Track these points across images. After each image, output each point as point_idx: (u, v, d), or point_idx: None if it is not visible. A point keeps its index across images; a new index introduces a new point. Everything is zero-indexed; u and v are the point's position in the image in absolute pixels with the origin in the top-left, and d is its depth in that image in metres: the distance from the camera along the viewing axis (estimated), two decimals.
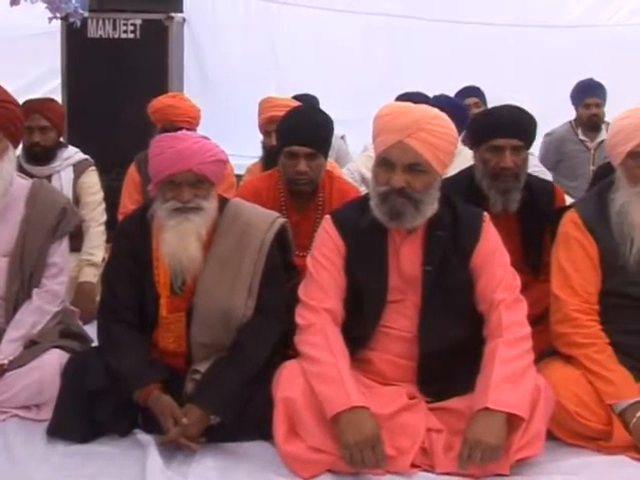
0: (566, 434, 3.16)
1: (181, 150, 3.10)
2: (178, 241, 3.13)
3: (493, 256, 3.11)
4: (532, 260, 3.79)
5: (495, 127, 3.72)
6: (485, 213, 3.19)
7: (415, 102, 4.85)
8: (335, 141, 6.15)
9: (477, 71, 7.46)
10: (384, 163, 3.00)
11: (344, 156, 6.33)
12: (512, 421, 2.83)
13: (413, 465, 2.92)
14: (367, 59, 7.92)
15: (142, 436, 3.11)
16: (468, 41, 7.86)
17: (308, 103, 5.57)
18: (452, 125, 3.05)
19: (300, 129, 3.87)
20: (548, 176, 5.62)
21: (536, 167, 5.79)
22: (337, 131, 6.14)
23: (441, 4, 7.96)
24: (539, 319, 3.45)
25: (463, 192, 3.75)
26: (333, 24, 7.98)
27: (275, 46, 8.08)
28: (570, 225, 3.34)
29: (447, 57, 7.83)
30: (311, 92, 6.47)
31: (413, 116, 2.98)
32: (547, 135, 6.73)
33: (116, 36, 6.56)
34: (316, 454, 2.88)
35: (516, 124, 3.74)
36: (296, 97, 5.71)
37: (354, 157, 6.13)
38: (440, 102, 5.03)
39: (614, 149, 3.32)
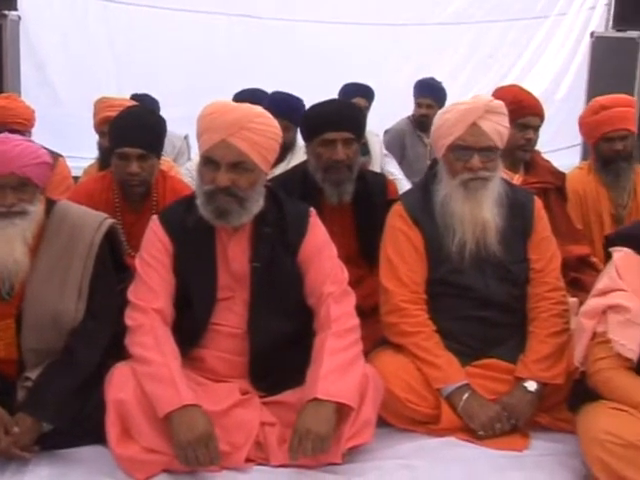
0: (397, 420, 3.26)
1: (2, 153, 3.02)
2: (3, 246, 3.04)
3: (321, 250, 3.16)
4: (367, 252, 3.86)
5: (325, 121, 3.78)
6: (311, 208, 3.23)
7: (254, 99, 4.95)
8: (176, 140, 6.15)
9: (317, 68, 7.59)
10: (208, 162, 3.01)
11: (183, 156, 6.30)
12: (342, 410, 2.90)
13: (248, 460, 2.95)
14: (208, 57, 7.92)
15: None
16: (306, 39, 7.97)
17: (145, 103, 5.54)
18: (275, 123, 3.10)
19: (131, 130, 3.84)
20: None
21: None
22: (179, 129, 6.16)
23: (280, 3, 8.03)
24: (374, 310, 3.53)
25: (298, 187, 3.83)
26: (173, 23, 7.94)
27: (114, 45, 7.99)
28: (396, 217, 3.43)
29: (287, 55, 7.90)
30: (152, 91, 6.41)
31: (236, 115, 2.99)
32: (386, 132, 6.85)
33: None
34: (150, 455, 2.87)
35: (345, 117, 3.81)
36: (134, 97, 5.65)
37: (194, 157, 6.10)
38: (276, 99, 5.11)
39: (437, 142, 3.43)
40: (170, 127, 5.48)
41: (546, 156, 4.73)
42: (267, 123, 3.05)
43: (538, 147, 4.51)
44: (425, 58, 8.12)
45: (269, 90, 5.52)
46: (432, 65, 7.56)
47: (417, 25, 8.30)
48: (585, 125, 4.67)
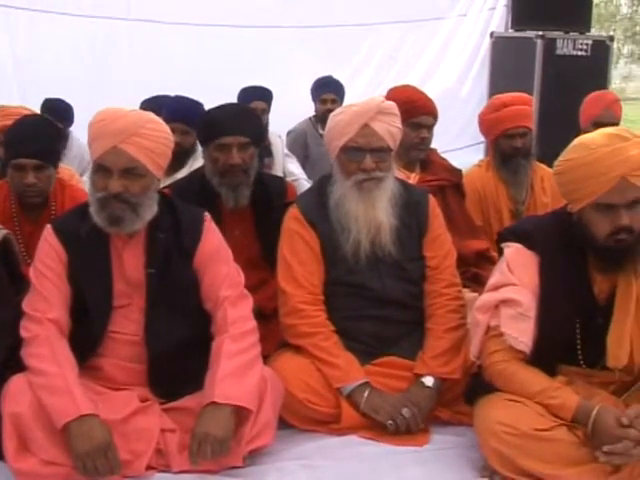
0: (298, 421, 3.29)
1: None
2: None
3: (216, 255, 3.17)
4: (269, 255, 3.88)
5: (220, 126, 3.78)
6: (206, 213, 3.23)
7: (159, 104, 4.94)
8: (85, 153, 6.09)
9: (220, 71, 7.60)
10: (100, 169, 2.99)
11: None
12: (241, 413, 2.91)
13: (149, 467, 2.94)
14: (111, 63, 7.83)
15: None
16: (208, 42, 7.98)
17: (58, 108, 5.72)
18: (166, 128, 3.09)
19: (26, 141, 3.79)
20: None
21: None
22: (82, 135, 6.10)
23: (180, 8, 8.00)
24: (276, 313, 3.53)
25: (196, 191, 3.82)
26: (75, 29, 7.81)
27: (16, 52, 7.81)
28: (291, 219, 3.46)
29: (190, 59, 7.88)
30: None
31: (126, 121, 2.98)
32: (288, 133, 6.87)
33: None
34: (49, 467, 2.84)
35: (239, 121, 3.81)
36: (47, 101, 5.73)
37: None
38: (174, 103, 5.10)
39: (330, 144, 3.47)
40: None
41: (450, 154, 4.82)
42: (158, 129, 3.05)
43: (442, 145, 4.58)
44: (327, 60, 8.15)
45: (173, 94, 5.51)
46: (334, 67, 7.59)
47: (318, 27, 8.35)
48: (486, 122, 4.77)
